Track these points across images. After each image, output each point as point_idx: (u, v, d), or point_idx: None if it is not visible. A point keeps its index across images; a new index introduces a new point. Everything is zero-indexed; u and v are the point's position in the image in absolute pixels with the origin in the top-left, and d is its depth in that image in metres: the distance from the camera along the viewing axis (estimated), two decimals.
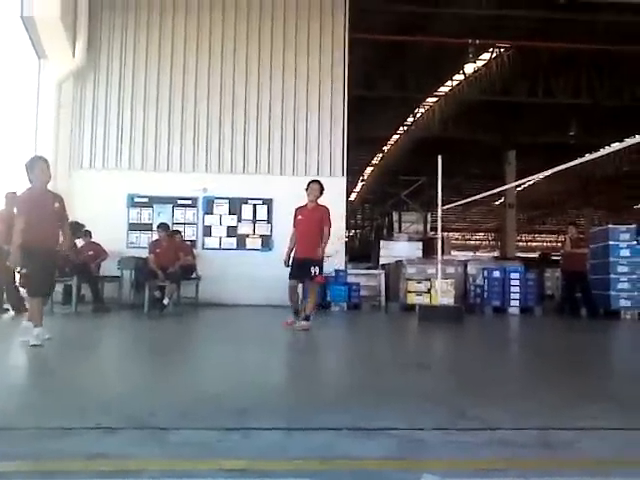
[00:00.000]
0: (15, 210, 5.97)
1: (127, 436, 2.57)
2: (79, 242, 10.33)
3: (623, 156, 23.22)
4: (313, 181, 7.64)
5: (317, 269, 7.31)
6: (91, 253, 10.42)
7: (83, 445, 2.44)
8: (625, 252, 10.78)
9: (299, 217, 7.49)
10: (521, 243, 41.48)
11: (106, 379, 4.19)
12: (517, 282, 11.31)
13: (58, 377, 4.20)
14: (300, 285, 7.77)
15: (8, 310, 8.66)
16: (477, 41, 16.08)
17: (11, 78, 13.49)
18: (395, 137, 25.38)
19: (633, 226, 11.34)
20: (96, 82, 12.52)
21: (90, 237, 10.61)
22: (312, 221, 7.38)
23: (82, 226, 10.26)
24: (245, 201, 12.41)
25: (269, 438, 2.58)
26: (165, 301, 9.55)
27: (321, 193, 7.49)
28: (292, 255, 7.51)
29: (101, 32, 12.51)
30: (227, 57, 12.66)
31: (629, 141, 7.91)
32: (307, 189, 7.50)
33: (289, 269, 7.47)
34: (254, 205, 12.42)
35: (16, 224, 5.58)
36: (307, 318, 7.23)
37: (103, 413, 2.93)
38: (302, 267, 7.32)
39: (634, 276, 10.72)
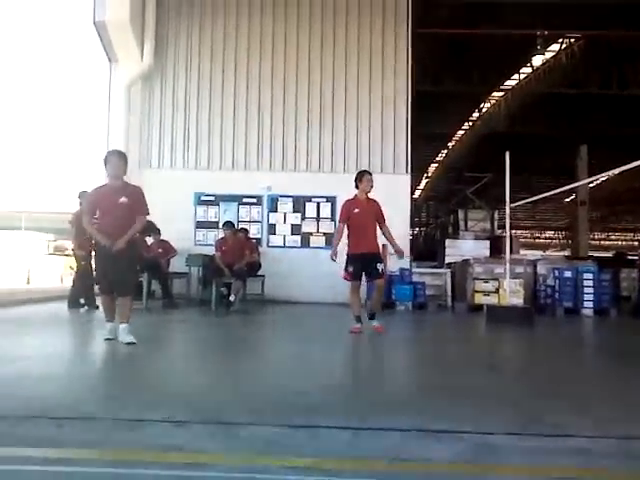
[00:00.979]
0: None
1: (198, 430, 2.62)
2: (149, 240, 10.66)
3: None
4: (365, 172, 7.12)
5: (382, 265, 6.94)
6: (161, 250, 10.72)
7: (156, 437, 2.51)
8: None
9: (355, 210, 6.85)
10: (594, 242, 39.85)
11: (177, 373, 4.29)
12: (590, 282, 10.85)
13: (132, 371, 4.33)
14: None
15: (85, 305, 9.03)
16: (546, 32, 15.52)
17: (84, 82, 14.09)
18: (460, 133, 24.88)
19: None
20: (163, 84, 12.90)
21: (159, 235, 10.91)
22: (370, 214, 6.87)
23: (152, 224, 10.58)
24: (309, 199, 12.48)
25: (336, 437, 2.57)
26: (232, 298, 9.72)
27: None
28: (346, 252, 6.89)
29: (167, 35, 12.87)
30: (289, 57, 12.76)
31: None
32: (359, 180, 6.93)
33: (349, 268, 6.83)
34: (318, 203, 12.47)
35: (83, 217, 5.80)
36: (373, 316, 6.83)
37: (175, 407, 2.99)
38: (368, 264, 6.76)
39: None
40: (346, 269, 6.87)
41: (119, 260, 5.39)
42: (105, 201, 5.53)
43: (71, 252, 11.11)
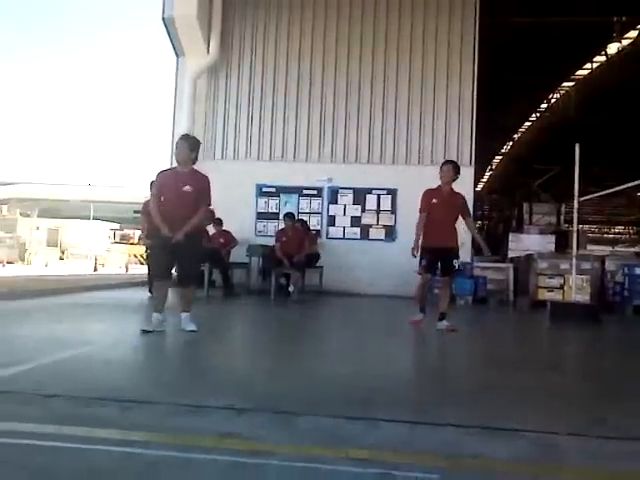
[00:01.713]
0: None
1: (257, 418, 2.67)
2: (211, 230, 10.87)
3: None
4: (446, 161, 6.85)
5: (458, 262, 6.61)
6: (222, 240, 10.92)
7: (216, 423, 2.57)
8: None
9: (433, 201, 6.48)
10: None
11: (237, 362, 4.38)
12: None
13: (193, 358, 4.45)
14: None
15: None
16: (623, 18, 14.80)
17: (153, 75, 14.47)
18: (527, 124, 24.15)
19: None
20: (228, 77, 13.10)
21: (221, 225, 11.11)
22: (451, 207, 6.52)
23: (213, 214, 10.79)
24: (369, 191, 12.42)
25: (394, 430, 2.57)
26: (290, 288, 9.83)
27: (456, 175, 6.58)
28: (421, 244, 6.48)
29: (233, 29, 13.05)
30: (353, 48, 12.68)
31: None
32: (440, 170, 6.64)
33: (423, 261, 6.45)
34: (378, 195, 12.40)
35: (150, 200, 5.78)
36: (444, 316, 6.41)
37: (235, 395, 3.06)
38: (444, 259, 6.44)
39: None
40: (420, 263, 6.52)
41: (183, 250, 5.32)
42: (169, 187, 5.44)
43: (140, 240, 11.49)
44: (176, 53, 12.86)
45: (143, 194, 9.32)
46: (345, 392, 3.26)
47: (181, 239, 5.24)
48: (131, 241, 32.89)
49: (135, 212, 9.08)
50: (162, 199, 5.50)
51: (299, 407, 2.83)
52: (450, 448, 2.37)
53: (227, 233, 11.14)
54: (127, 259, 25.62)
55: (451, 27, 12.44)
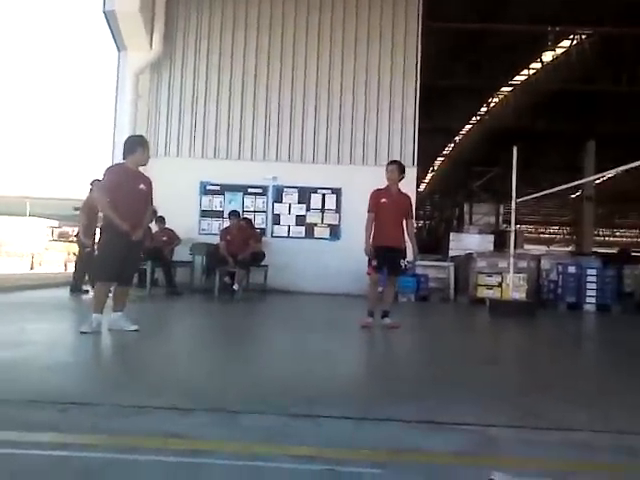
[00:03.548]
0: (101, 179, 5.54)
1: (201, 417, 2.64)
2: (153, 228, 10.68)
3: None
4: (392, 161, 6.87)
5: (405, 262, 6.59)
6: (165, 239, 10.76)
7: (159, 424, 2.53)
8: None
9: (383, 200, 6.48)
10: (598, 238, 39.72)
11: (180, 361, 4.32)
12: (594, 278, 10.84)
13: (134, 358, 4.37)
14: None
15: (88, 291, 9.07)
16: (557, 28, 15.42)
17: (92, 70, 14.09)
18: (468, 127, 24.79)
19: None
20: (171, 73, 12.88)
21: (164, 223, 10.94)
22: (399, 207, 6.53)
23: (155, 212, 10.60)
24: (314, 190, 12.47)
25: (338, 427, 2.59)
26: (235, 287, 9.78)
27: (401, 174, 6.62)
28: (371, 244, 6.48)
29: (177, 23, 12.83)
30: (299, 48, 12.71)
31: None
32: (386, 171, 6.64)
33: (373, 261, 6.43)
34: (323, 194, 12.47)
35: (99, 196, 5.46)
36: (387, 314, 6.49)
37: (178, 394, 3.02)
38: (392, 258, 6.44)
39: None
40: (370, 263, 6.50)
41: (134, 249, 5.32)
42: (125, 185, 5.30)
43: (75, 238, 11.16)
44: (118, 47, 12.53)
45: (83, 190, 9.07)
46: (289, 390, 3.26)
47: (140, 238, 5.28)
48: (70, 239, 31.89)
49: (75, 209, 8.80)
50: (113, 195, 5.27)
51: (243, 406, 2.82)
52: (392, 443, 2.41)
53: (170, 231, 10.98)
54: (66, 257, 24.83)
55: (395, 30, 12.62)
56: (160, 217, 10.78)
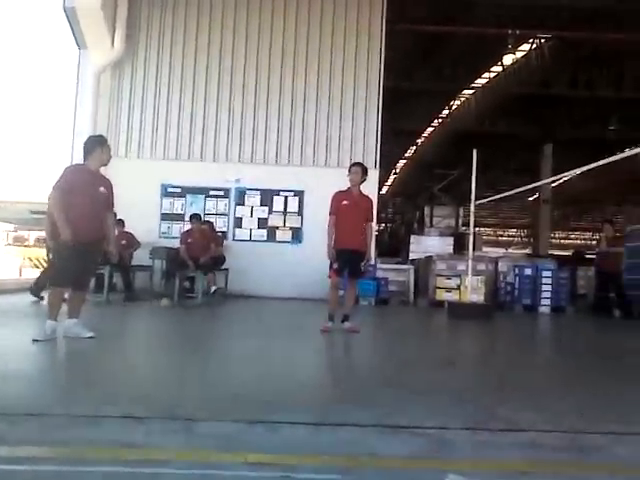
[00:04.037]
0: (56, 181, 5.23)
1: (155, 426, 2.60)
2: None
3: None
4: (355, 163, 6.89)
5: (365, 264, 6.65)
6: (124, 242, 10.54)
7: (112, 433, 2.48)
8: None
9: (344, 202, 6.46)
10: (555, 240, 40.71)
11: (135, 369, 4.25)
12: (549, 280, 11.11)
13: (88, 366, 4.27)
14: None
15: (43, 298, 8.84)
16: (517, 31, 15.73)
17: (52, 68, 13.75)
18: (429, 130, 25.10)
19: None
20: (134, 72, 12.69)
21: (123, 226, 10.74)
22: (360, 209, 6.52)
23: (114, 215, 10.40)
24: (277, 193, 12.43)
25: (295, 432, 2.59)
26: (212, 289, 9.87)
27: (362, 177, 6.59)
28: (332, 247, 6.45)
29: (140, 22, 12.65)
30: (263, 49, 12.67)
31: None
32: (348, 173, 6.66)
33: (334, 264, 6.41)
34: (285, 197, 12.44)
35: (54, 196, 5.13)
36: (347, 317, 6.49)
37: (133, 403, 2.97)
38: (352, 261, 6.43)
39: None
40: (331, 266, 6.48)
41: (92, 254, 5.23)
42: (85, 186, 5.14)
43: (42, 242, 10.88)
44: (78, 45, 12.26)
45: (41, 193, 8.81)
46: (247, 396, 3.24)
47: (115, 257, 5.44)
48: (26, 243, 31.05)
49: (32, 212, 8.58)
50: (72, 196, 5.08)
51: (199, 413, 2.79)
52: (350, 448, 2.42)
53: (129, 235, 10.79)
54: (21, 262, 24.14)
55: (358, 33, 12.69)
56: (119, 220, 10.55)
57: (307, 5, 12.72)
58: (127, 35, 12.31)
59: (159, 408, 2.87)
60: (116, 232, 10.48)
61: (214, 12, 12.69)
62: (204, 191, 12.43)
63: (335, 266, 6.44)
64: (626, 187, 29.55)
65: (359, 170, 6.62)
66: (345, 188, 6.68)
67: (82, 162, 5.42)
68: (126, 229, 10.77)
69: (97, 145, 5.34)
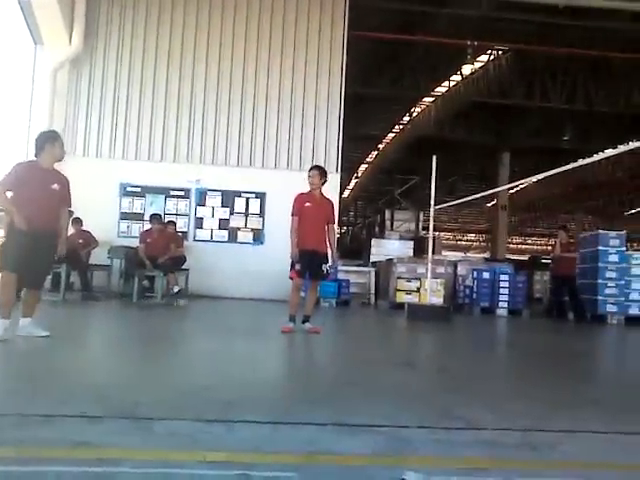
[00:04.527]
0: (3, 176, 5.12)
1: (111, 425, 2.56)
2: (69, 230, 10.28)
3: (615, 163, 23.35)
4: (313, 166, 6.96)
5: (327, 266, 6.62)
6: (81, 241, 10.37)
7: (67, 433, 2.43)
8: (614, 258, 10.87)
9: (307, 204, 6.52)
10: (512, 245, 41.66)
11: (92, 368, 4.17)
12: (506, 284, 11.37)
13: (43, 366, 4.17)
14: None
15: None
16: (475, 42, 16.09)
17: (7, 64, 13.39)
18: (390, 135, 25.38)
19: (623, 232, 11.44)
20: (92, 70, 12.46)
21: (81, 225, 10.55)
22: (321, 212, 6.58)
23: (72, 213, 10.19)
24: (238, 194, 12.38)
25: (254, 431, 2.58)
26: (175, 289, 9.72)
27: (322, 179, 6.64)
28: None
29: (99, 20, 12.43)
30: (225, 50, 12.61)
31: (622, 148, 7.94)
32: (308, 176, 6.71)
33: (296, 265, 6.44)
34: (247, 198, 12.40)
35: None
36: (308, 318, 6.55)
37: (88, 402, 2.91)
38: (314, 263, 6.47)
39: (621, 282, 10.82)
40: (293, 267, 6.51)
41: (46, 249, 5.10)
42: (35, 182, 5.05)
43: None
44: (34, 41, 11.97)
45: None
46: (206, 395, 3.22)
47: (64, 250, 5.23)
48: None
49: None
50: (22, 192, 5.00)
51: (156, 412, 2.76)
52: (308, 446, 2.42)
53: (87, 233, 10.60)
54: None
55: (321, 38, 12.76)
56: (77, 219, 10.38)
57: (270, 10, 12.70)
58: (85, 31, 12.10)
59: (116, 407, 2.83)
60: (74, 231, 10.35)
61: (175, 10, 12.58)
62: (164, 191, 12.29)
63: (297, 267, 6.46)
64: (578, 195, 30.49)
65: (317, 173, 6.67)
66: (307, 190, 6.71)
67: (34, 159, 5.29)
68: (84, 228, 10.57)
69: (48, 141, 5.22)
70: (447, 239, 43.15)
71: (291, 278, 6.61)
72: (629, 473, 2.38)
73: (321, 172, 6.72)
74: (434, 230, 10.24)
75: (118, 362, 4.47)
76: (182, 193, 12.32)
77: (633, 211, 33.17)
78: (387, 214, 21.66)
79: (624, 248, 11.11)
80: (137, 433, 2.47)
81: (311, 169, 6.85)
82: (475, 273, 11.55)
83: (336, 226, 7.13)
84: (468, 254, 42.78)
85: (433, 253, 10.02)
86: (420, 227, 22.16)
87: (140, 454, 2.22)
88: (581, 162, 8.62)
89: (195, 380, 3.75)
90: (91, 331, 6.72)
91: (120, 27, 12.51)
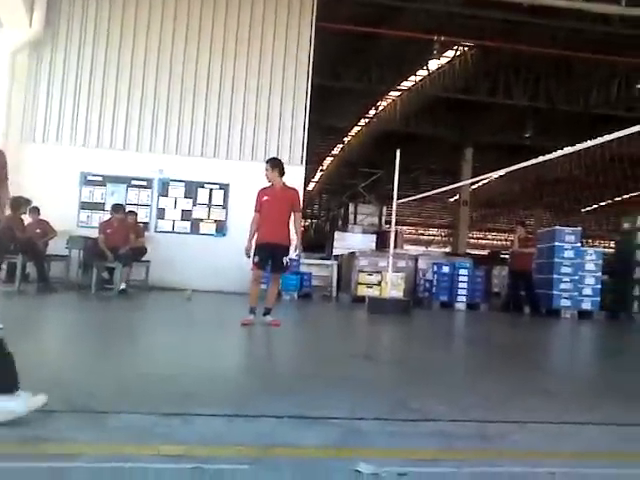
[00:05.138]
0: None
1: (64, 419, 2.53)
2: (26, 219, 10.04)
3: (572, 160, 23.91)
4: (268, 159, 6.93)
5: (288, 259, 6.71)
6: (38, 231, 10.14)
7: (17, 428, 2.39)
8: (569, 253, 11.16)
9: (265, 198, 6.55)
10: (473, 240, 42.32)
11: (46, 361, 4.10)
12: (465, 278, 11.56)
13: None
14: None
15: None
16: (442, 38, 16.24)
17: None
18: (356, 129, 25.46)
19: (578, 228, 11.77)
20: (53, 55, 12.15)
21: (38, 214, 10.31)
22: (283, 203, 6.57)
23: (29, 202, 9.96)
24: (201, 185, 12.27)
25: (210, 424, 2.58)
26: (122, 286, 9.46)
27: (274, 171, 6.58)
28: (255, 241, 6.56)
29: (61, 3, 12.10)
30: (191, 37, 12.43)
31: (579, 146, 8.14)
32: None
33: (256, 257, 6.47)
34: (210, 189, 12.30)
35: None
36: (269, 311, 6.56)
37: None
38: (274, 255, 6.51)
39: (576, 277, 11.11)
40: (253, 259, 6.53)
41: None
42: None
43: None
44: None
45: None
46: (162, 388, 3.20)
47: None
48: None
49: None
50: None
51: (110, 406, 2.73)
52: (264, 439, 2.44)
53: (44, 223, 10.36)
54: None
55: (288, 30, 12.68)
56: (34, 207, 10.15)
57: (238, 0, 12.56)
58: (47, 13, 11.80)
59: (69, 401, 2.79)
60: (31, 220, 10.12)
61: (141, 1, 12.30)
62: (126, 180, 12.10)
63: (256, 259, 6.49)
64: (537, 192, 31.15)
65: (269, 167, 6.64)
66: (269, 184, 6.70)
67: None
68: (41, 217, 10.34)
69: None
70: (410, 233, 43.57)
71: (252, 269, 6.64)
72: (576, 461, 2.47)
73: (273, 165, 6.67)
74: (397, 224, 10.33)
75: (73, 355, 4.40)
76: (144, 183, 12.15)
77: (589, 208, 34.08)
78: (351, 207, 21.71)
79: (579, 244, 11.42)
80: (90, 427, 2.45)
81: (266, 162, 6.79)
82: (435, 267, 11.71)
83: (300, 214, 7.12)
84: (430, 248, 43.27)
85: (395, 247, 10.13)
86: (383, 221, 22.30)
87: (93, 449, 2.20)
88: (541, 159, 8.76)
89: (151, 372, 3.72)
90: (46, 323, 6.59)
91: (83, 10, 12.21)
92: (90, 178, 12.03)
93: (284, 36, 12.67)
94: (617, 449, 2.67)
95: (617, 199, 30.68)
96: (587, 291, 11.17)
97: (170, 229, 12.16)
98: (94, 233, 10.37)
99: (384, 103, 22.94)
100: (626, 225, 12.43)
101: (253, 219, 6.61)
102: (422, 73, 19.83)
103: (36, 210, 10.24)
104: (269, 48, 12.62)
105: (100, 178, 12.05)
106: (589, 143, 7.36)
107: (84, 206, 11.99)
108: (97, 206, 11.95)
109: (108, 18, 12.26)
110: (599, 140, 6.89)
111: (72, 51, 12.21)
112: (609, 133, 6.38)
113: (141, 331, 6.15)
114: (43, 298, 8.77)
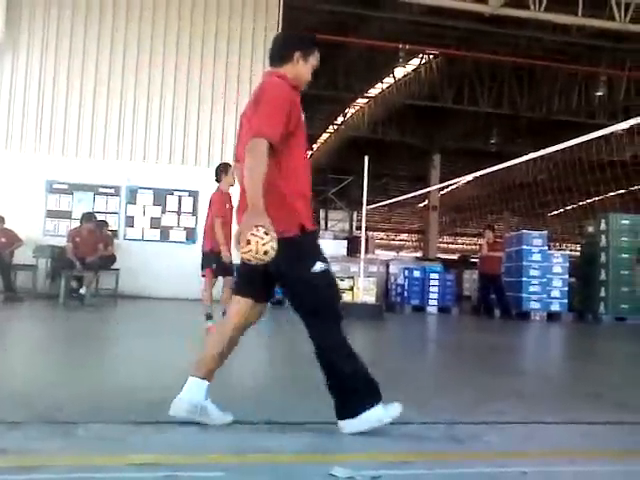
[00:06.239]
0: None
1: (33, 431, 2.47)
2: None
3: (538, 165, 24.39)
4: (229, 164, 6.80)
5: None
6: (4, 240, 9.95)
7: None
8: (537, 256, 11.37)
9: (227, 206, 6.50)
10: (443, 245, 42.76)
11: (12, 373, 4.01)
12: (436, 282, 11.67)
13: None
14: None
15: None
16: (407, 46, 16.45)
17: None
18: (325, 136, 25.56)
19: (545, 232, 12.00)
20: (15, 58, 11.93)
21: (3, 223, 10.11)
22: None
23: None
24: (170, 192, 12.16)
25: (182, 433, 2.56)
26: (82, 290, 9.26)
27: (222, 176, 6.65)
28: (211, 248, 6.55)
29: (22, 6, 11.89)
30: (156, 47, 12.31)
31: (543, 151, 8.32)
32: (225, 172, 6.68)
33: (213, 265, 6.49)
34: (179, 197, 12.20)
35: None
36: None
37: (7, 407, 2.81)
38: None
39: (544, 279, 11.32)
40: (206, 266, 6.57)
41: None
42: None
43: None
44: None
45: None
46: (132, 398, 3.16)
47: None
48: None
49: None
50: None
51: (80, 416, 2.68)
52: (238, 446, 2.43)
53: (10, 232, 10.17)
54: None
55: (255, 38, 12.58)
56: None
57: (203, 11, 12.45)
58: (7, 18, 11.57)
59: (37, 412, 2.73)
60: None
61: (104, 6, 12.16)
62: (93, 188, 11.93)
63: (214, 266, 6.48)
64: (504, 196, 31.64)
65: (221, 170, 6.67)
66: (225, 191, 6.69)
67: None
68: (6, 226, 10.14)
69: None
70: (380, 239, 43.84)
71: (204, 276, 6.67)
72: (545, 460, 2.51)
73: (219, 169, 6.72)
74: (368, 230, 10.40)
75: (41, 366, 4.32)
76: (112, 191, 11.99)
77: (555, 212, 34.73)
78: (321, 213, 21.76)
79: (546, 247, 11.64)
80: (60, 438, 2.40)
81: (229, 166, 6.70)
82: (406, 272, 11.80)
83: None
84: (401, 253, 43.56)
85: (366, 252, 10.18)
86: (354, 227, 22.39)
87: (63, 460, 2.16)
88: (506, 164, 8.93)
89: (120, 382, 3.67)
90: (12, 334, 6.44)
91: (45, 14, 11.99)
92: (56, 186, 11.83)
93: (250, 43, 12.62)
94: (583, 447, 2.73)
95: (581, 203, 31.38)
96: (555, 293, 11.40)
97: (139, 237, 12.01)
98: (61, 242, 10.19)
99: (352, 110, 23.10)
100: (590, 229, 12.72)
101: (217, 225, 6.46)
102: (389, 81, 20.05)
103: (1, 219, 10.05)
104: (235, 56, 12.56)
105: (66, 186, 11.85)
106: (552, 149, 7.52)
107: (50, 214, 11.78)
108: (64, 214, 11.75)
109: (71, 21, 12.07)
110: (562, 145, 7.05)
111: (34, 55, 11.98)
112: (571, 139, 6.54)
113: (109, 340, 6.06)
114: (9, 308, 8.58)
